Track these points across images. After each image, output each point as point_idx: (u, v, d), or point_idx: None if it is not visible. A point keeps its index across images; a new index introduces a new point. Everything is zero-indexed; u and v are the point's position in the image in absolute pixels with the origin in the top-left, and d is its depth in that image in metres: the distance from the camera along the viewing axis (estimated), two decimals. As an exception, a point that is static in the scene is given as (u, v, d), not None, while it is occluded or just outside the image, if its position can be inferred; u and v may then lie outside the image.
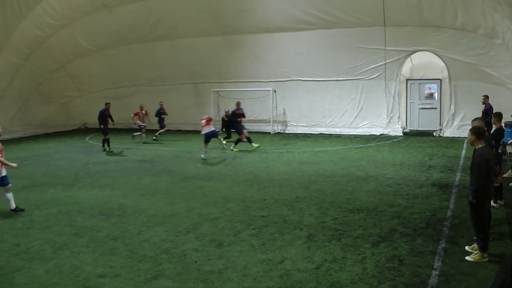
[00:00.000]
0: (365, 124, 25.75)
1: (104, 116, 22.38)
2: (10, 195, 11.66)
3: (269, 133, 26.62)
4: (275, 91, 27.13)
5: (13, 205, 11.72)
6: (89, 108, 32.39)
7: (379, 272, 7.48)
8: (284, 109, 27.18)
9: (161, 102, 26.30)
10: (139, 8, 27.25)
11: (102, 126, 22.22)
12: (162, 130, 25.82)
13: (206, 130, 19.40)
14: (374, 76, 25.22)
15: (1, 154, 11.48)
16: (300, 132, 26.28)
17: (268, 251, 8.47)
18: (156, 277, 7.53)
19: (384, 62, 24.76)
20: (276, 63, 27.26)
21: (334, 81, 26.17)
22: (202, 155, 19.04)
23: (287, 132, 26.76)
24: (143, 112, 25.18)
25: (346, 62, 25.48)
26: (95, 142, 24.90)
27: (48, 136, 29.62)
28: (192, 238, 9.30)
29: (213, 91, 28.66)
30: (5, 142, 26.69)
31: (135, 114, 24.96)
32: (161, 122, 26.01)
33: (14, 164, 11.72)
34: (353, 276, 7.35)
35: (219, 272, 7.64)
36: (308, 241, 8.88)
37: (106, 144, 22.30)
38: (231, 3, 25.64)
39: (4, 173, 11.55)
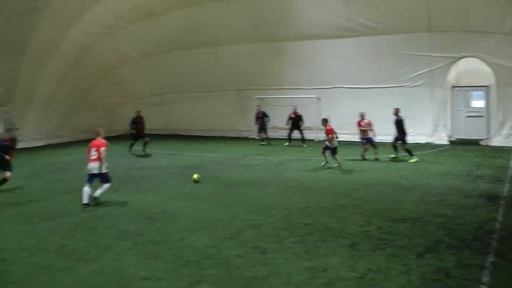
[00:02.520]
0: (409, 132, 25.25)
1: (135, 122, 23.63)
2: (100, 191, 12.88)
3: (313, 140, 26.52)
4: (319, 98, 27.03)
5: (86, 200, 12.60)
6: (133, 114, 32.95)
7: (424, 284, 7.34)
8: (328, 116, 27.04)
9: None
10: (182, 16, 27.64)
11: (133, 131, 23.53)
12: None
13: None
14: (419, 83, 24.88)
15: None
16: (344, 139, 26.08)
17: (311, 258, 8.44)
18: (199, 282, 7.56)
19: (429, 69, 24.43)
20: (320, 70, 27.18)
21: (378, 89, 25.90)
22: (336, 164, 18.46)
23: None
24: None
25: (390, 69, 25.23)
26: (140, 148, 25.28)
27: (94, 141, 30.21)
28: (235, 244, 9.33)
29: (256, 97, 28.77)
30: (53, 146, 27.63)
31: None
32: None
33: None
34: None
35: (263, 279, 7.64)
36: (352, 250, 8.82)
37: (143, 147, 23.34)
38: (275, 10, 25.75)
39: (104, 170, 12.95)
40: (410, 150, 19.48)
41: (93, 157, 12.85)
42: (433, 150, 22.29)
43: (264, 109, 27.46)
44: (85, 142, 28.39)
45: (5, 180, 15.05)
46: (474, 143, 24.21)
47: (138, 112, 24.24)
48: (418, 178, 15.67)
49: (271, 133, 27.83)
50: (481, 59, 23.42)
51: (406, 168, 17.75)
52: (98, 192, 12.84)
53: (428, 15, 22.87)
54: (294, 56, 27.59)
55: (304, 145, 25.14)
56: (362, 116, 20.32)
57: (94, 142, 13.24)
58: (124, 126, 34.12)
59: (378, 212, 11.45)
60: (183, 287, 7.45)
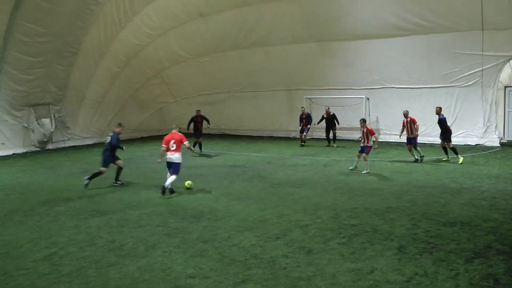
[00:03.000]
0: (460, 134, 24.89)
1: (196, 122, 23.96)
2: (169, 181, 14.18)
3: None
4: (368, 99, 26.86)
5: (168, 184, 14.09)
6: (182, 113, 33.39)
7: (472, 289, 7.29)
8: (377, 117, 26.86)
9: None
10: (233, 16, 27.92)
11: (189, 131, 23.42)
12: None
13: None
14: (470, 83, 24.35)
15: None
16: (393, 140, 25.78)
17: (357, 260, 8.45)
18: (245, 282, 7.66)
19: (481, 68, 23.84)
20: (369, 70, 26.99)
21: (429, 89, 25.52)
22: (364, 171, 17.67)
23: (380, 140, 26.20)
24: None
25: (441, 69, 24.79)
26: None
27: (143, 140, 31.04)
28: (281, 244, 9.41)
29: (305, 98, 28.78)
30: (103, 144, 28.13)
31: None
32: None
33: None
34: (445, 292, 7.22)
35: (308, 279, 7.70)
36: (399, 253, 8.79)
37: (198, 147, 23.43)
38: (325, 10, 25.69)
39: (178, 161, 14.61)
40: (455, 149, 19.14)
41: (173, 148, 14.47)
42: (484, 152, 21.82)
43: (312, 109, 27.49)
44: (135, 141, 29.45)
45: (120, 168, 16.15)
46: (527, 145, 23.62)
47: (198, 111, 24.42)
48: (467, 181, 15.41)
49: (318, 134, 27.84)
50: (536, 58, 22.82)
51: (454, 170, 17.46)
52: (168, 183, 14.01)
53: (481, 12, 22.39)
54: (344, 56, 27.46)
55: (335, 145, 25.17)
56: (405, 115, 19.78)
57: (172, 135, 14.81)
58: (171, 125, 34.77)
59: (426, 215, 11.35)
60: (228, 285, 7.56)
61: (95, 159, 21.81)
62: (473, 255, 8.62)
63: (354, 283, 7.52)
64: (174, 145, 14.48)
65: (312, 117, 26.30)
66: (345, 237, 9.74)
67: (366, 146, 17.55)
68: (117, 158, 16.12)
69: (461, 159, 18.96)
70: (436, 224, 10.58)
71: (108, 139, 16.05)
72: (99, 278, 7.91)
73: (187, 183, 15.12)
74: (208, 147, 25.53)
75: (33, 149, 25.60)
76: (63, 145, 27.23)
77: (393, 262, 8.36)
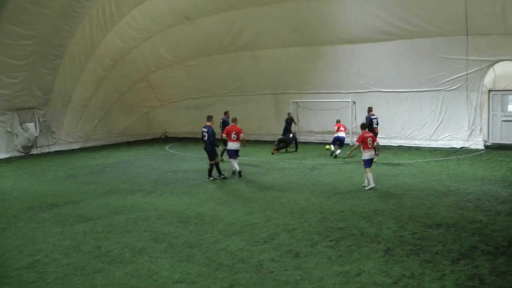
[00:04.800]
0: (445, 137, 25.14)
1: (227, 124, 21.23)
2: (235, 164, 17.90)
3: (348, 144, 26.42)
4: (354, 103, 26.98)
5: (238, 168, 17.81)
6: (169, 117, 33.51)
7: (458, 290, 7.34)
8: (363, 120, 26.90)
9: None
10: (220, 20, 27.96)
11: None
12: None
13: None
14: (455, 87, 24.60)
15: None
16: (380, 144, 25.81)
17: (345, 263, 8.48)
18: (232, 286, 7.66)
19: (465, 73, 24.11)
20: (356, 74, 27.18)
21: (414, 92, 25.76)
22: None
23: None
24: None
25: (427, 73, 25.05)
26: (174, 151, 25.62)
27: (129, 144, 30.89)
28: (269, 248, 9.42)
29: (292, 101, 28.85)
30: (88, 149, 28.20)
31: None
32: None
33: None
34: (432, 293, 7.26)
35: (295, 283, 7.70)
36: (386, 255, 8.84)
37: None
38: (312, 14, 25.85)
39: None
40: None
41: (234, 139, 17.46)
42: (469, 155, 22.00)
43: (299, 113, 27.61)
44: (121, 145, 29.33)
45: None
46: (510, 148, 23.83)
47: (226, 112, 22.83)
48: (453, 183, 15.54)
49: (306, 137, 27.98)
50: (519, 63, 23.08)
51: (441, 173, 17.58)
52: (236, 167, 17.69)
53: (465, 17, 22.63)
54: (330, 60, 27.61)
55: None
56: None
57: (233, 127, 17.65)
58: (158, 129, 34.69)
59: (412, 218, 11.42)
60: (216, 290, 7.56)
61: (81, 164, 21.79)
62: (459, 256, 8.69)
63: (342, 286, 7.54)
64: (235, 136, 17.43)
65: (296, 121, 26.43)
66: (332, 240, 9.77)
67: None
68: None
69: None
70: (422, 226, 10.65)
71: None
72: (84, 285, 7.85)
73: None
74: (195, 151, 25.49)
75: (17, 154, 25.32)
76: (48, 150, 26.98)
77: (380, 264, 8.40)
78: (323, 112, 26.42)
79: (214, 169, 17.30)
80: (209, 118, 17.47)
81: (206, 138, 17.00)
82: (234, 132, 17.41)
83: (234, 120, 18.07)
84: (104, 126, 31.27)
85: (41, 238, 10.47)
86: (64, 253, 9.42)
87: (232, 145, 17.53)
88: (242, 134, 17.53)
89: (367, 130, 15.89)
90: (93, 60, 27.81)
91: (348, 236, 10.03)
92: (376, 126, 21.19)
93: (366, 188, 14.96)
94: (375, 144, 15.25)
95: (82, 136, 29.61)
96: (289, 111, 26.88)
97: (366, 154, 15.06)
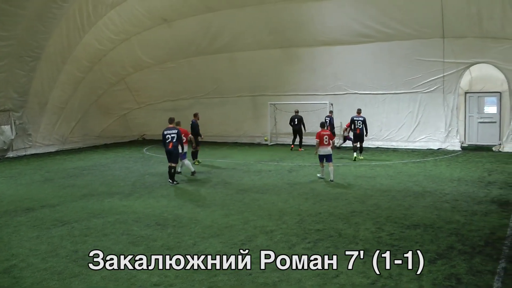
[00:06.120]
0: (422, 138, 25.38)
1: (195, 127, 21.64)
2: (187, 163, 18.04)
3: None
4: (332, 104, 27.07)
5: (192, 169, 18.18)
6: (147, 120, 33.33)
7: (435, 290, 7.37)
8: (341, 122, 26.99)
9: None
10: (198, 22, 27.89)
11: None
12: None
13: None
14: (432, 89, 24.89)
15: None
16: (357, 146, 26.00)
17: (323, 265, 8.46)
18: (211, 288, 7.63)
19: (442, 75, 24.43)
20: (333, 76, 27.32)
21: (392, 94, 25.99)
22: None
23: (344, 145, 26.45)
24: None
25: (404, 75, 25.30)
26: (152, 153, 25.46)
27: (106, 147, 30.63)
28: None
29: (270, 104, 28.88)
30: (65, 152, 27.91)
31: None
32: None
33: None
34: (409, 293, 7.28)
35: (274, 285, 7.67)
36: (364, 256, 8.83)
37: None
38: (289, 16, 25.91)
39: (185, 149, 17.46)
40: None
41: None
42: (446, 156, 22.22)
43: (277, 115, 27.68)
44: (98, 148, 29.08)
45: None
46: (486, 149, 24.16)
47: (196, 115, 22.20)
48: (430, 184, 15.66)
49: (284, 139, 28.14)
50: (494, 65, 23.42)
51: (418, 174, 17.72)
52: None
53: (442, 20, 22.89)
54: (308, 62, 27.73)
55: None
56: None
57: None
58: (136, 132, 34.48)
59: (390, 218, 11.47)
60: (194, 293, 7.50)
61: (58, 167, 21.53)
62: (436, 256, 8.74)
63: (320, 287, 7.52)
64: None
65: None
66: (310, 242, 9.76)
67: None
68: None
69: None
70: (400, 227, 10.69)
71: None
72: (61, 290, 7.73)
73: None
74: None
75: (-8, 157, 24.95)
76: (24, 153, 26.58)
77: (358, 265, 8.39)
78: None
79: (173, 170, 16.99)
80: (172, 120, 16.99)
81: (175, 140, 16.52)
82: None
83: (178, 123, 17.47)
84: (81, 128, 30.96)
85: (17, 243, 10.27)
86: (41, 257, 9.26)
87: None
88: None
89: (326, 128, 17.62)
90: (70, 61, 27.46)
91: (326, 238, 10.02)
92: (359, 127, 21.32)
93: (319, 177, 17.15)
94: (331, 142, 16.94)
95: (59, 138, 29.22)
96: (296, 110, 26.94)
97: (321, 151, 16.74)
